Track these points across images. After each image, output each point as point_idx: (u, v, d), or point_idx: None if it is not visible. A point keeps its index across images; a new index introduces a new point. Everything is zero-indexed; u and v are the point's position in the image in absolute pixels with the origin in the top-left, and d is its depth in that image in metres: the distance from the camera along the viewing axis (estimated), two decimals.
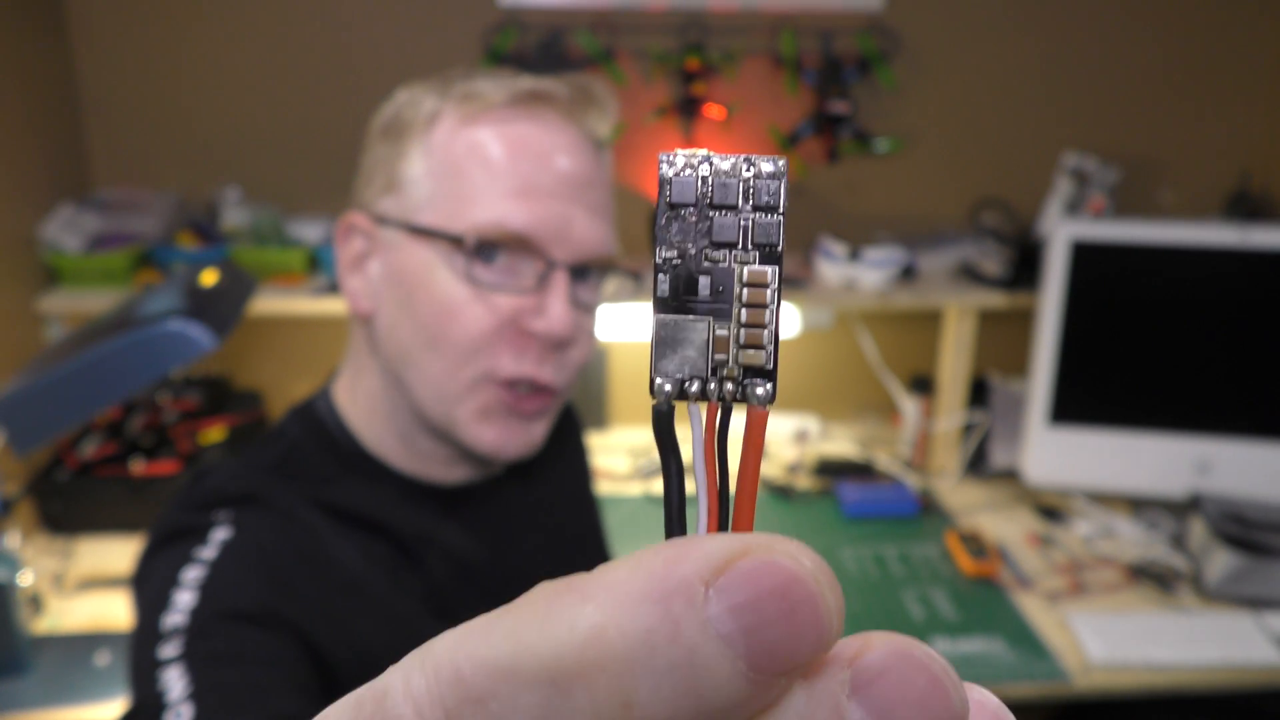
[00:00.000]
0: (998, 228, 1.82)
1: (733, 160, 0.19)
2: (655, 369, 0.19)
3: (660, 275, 0.19)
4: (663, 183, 0.19)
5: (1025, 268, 1.69)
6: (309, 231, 1.69)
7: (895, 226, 1.88)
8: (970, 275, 1.78)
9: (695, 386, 0.19)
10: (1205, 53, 1.85)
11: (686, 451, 0.19)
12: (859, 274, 1.69)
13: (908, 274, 1.75)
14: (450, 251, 0.72)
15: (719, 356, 0.19)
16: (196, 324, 0.86)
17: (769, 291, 0.19)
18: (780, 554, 0.15)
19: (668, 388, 0.19)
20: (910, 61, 1.80)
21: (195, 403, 1.65)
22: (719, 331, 0.19)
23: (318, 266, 1.68)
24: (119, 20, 1.68)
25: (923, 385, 1.81)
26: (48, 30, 1.64)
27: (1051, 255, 1.55)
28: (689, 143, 1.80)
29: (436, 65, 1.69)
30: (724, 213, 0.19)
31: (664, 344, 0.19)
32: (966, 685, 0.18)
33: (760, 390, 0.19)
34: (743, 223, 0.19)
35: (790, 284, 1.69)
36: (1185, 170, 1.89)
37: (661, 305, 0.19)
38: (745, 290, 0.19)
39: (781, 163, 0.19)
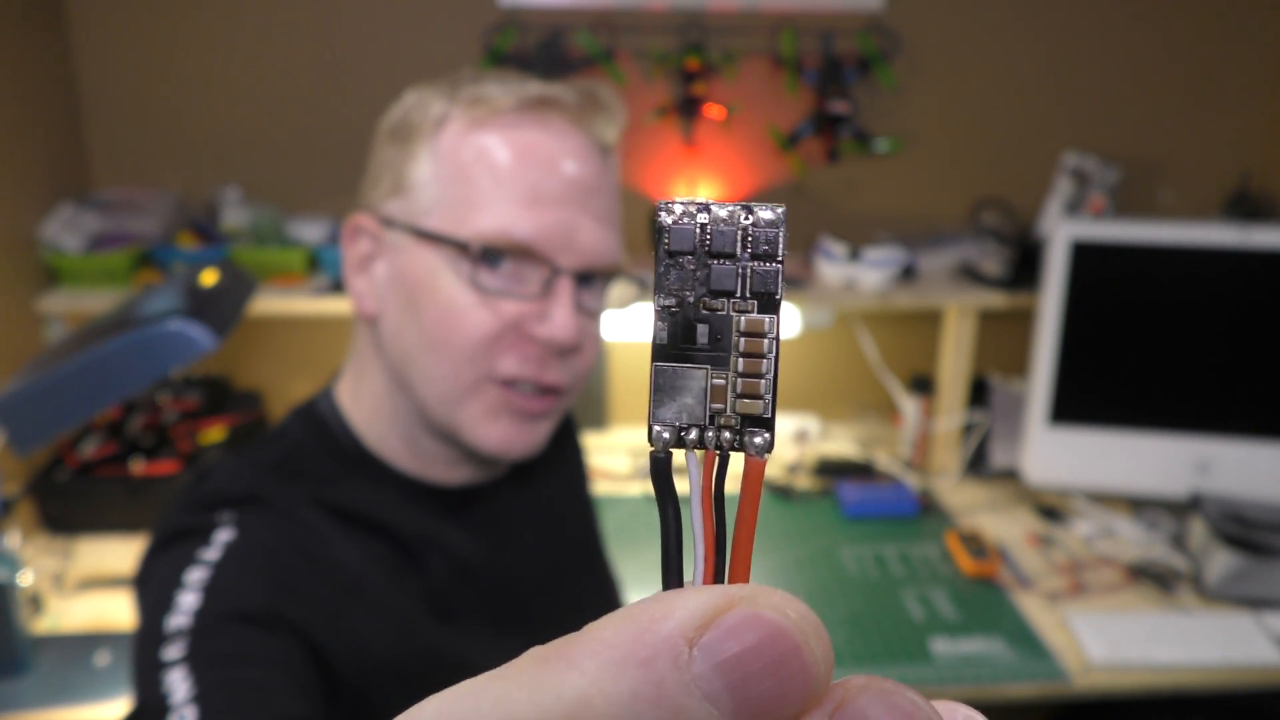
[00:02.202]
0: (998, 228, 1.82)
1: (730, 208, 0.19)
2: (654, 416, 0.19)
3: (659, 323, 0.19)
4: (661, 231, 0.19)
5: (1025, 268, 1.69)
6: (309, 231, 1.69)
7: (895, 226, 1.88)
8: (970, 275, 1.78)
9: (693, 434, 0.19)
10: (1205, 53, 1.85)
11: (684, 498, 0.19)
12: (859, 274, 1.69)
13: (908, 274, 1.75)
14: (455, 257, 0.72)
15: (716, 405, 0.19)
16: (196, 324, 0.86)
17: (766, 341, 0.19)
18: (764, 606, 0.15)
19: (665, 435, 0.19)
20: (910, 61, 1.80)
21: (195, 403, 1.65)
22: (716, 380, 0.19)
23: (318, 266, 1.68)
24: (119, 20, 1.68)
25: (923, 385, 1.81)
26: (48, 30, 1.64)
27: (1051, 255, 1.55)
28: (689, 145, 1.80)
29: (436, 65, 1.69)
30: (722, 261, 0.19)
31: (662, 391, 0.19)
32: (950, 705, 0.18)
33: (758, 440, 0.19)
34: (741, 271, 0.19)
35: (790, 284, 1.69)
36: (1185, 170, 1.89)
37: (660, 353, 0.19)
38: (742, 340, 0.19)
39: (780, 210, 0.19)
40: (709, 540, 0.19)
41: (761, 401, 0.19)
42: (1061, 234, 1.55)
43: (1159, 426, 1.58)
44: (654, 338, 0.19)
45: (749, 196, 1.86)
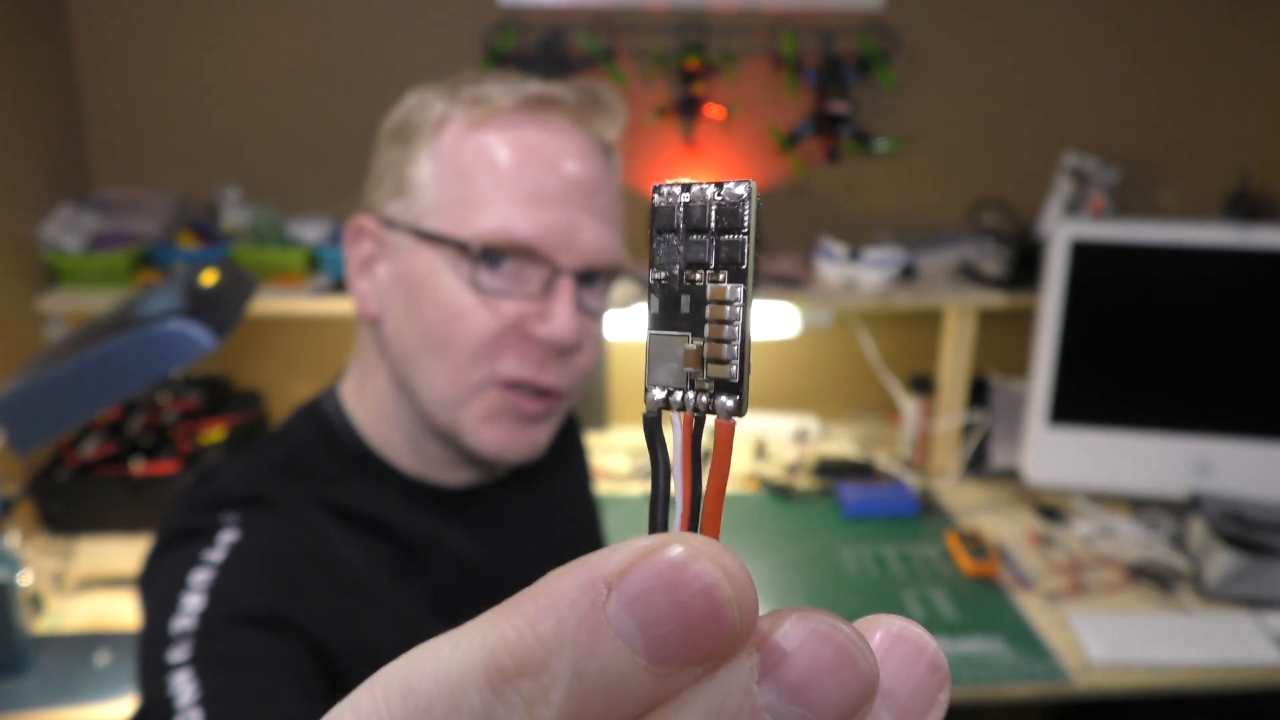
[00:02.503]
0: (998, 228, 1.82)
1: (702, 186, 0.20)
2: (648, 380, 0.21)
3: (652, 295, 0.21)
4: (652, 211, 0.21)
5: (1025, 268, 1.69)
6: (309, 231, 1.69)
7: (895, 226, 1.88)
8: (970, 275, 1.78)
9: (677, 397, 0.21)
10: (1205, 53, 1.85)
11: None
12: (859, 274, 1.69)
13: (908, 274, 1.75)
14: (456, 257, 0.72)
15: (689, 370, 0.20)
16: (196, 324, 0.86)
17: (730, 308, 0.20)
18: (679, 551, 0.16)
19: (656, 396, 0.21)
20: (910, 61, 1.80)
21: (195, 403, 1.65)
22: (689, 346, 0.21)
23: (318, 266, 1.68)
24: (119, 20, 1.68)
25: (923, 385, 1.81)
26: (48, 30, 1.64)
27: (1051, 255, 1.55)
28: (689, 145, 1.80)
29: (436, 65, 1.68)
30: (697, 235, 0.20)
31: (654, 358, 0.21)
32: (885, 618, 0.19)
33: (726, 403, 0.20)
34: (711, 243, 0.20)
35: (790, 284, 1.69)
36: (1185, 170, 1.89)
37: (654, 322, 0.21)
38: (708, 307, 0.20)
39: (749, 185, 0.20)
40: (685, 496, 0.20)
41: (729, 366, 0.20)
42: (1061, 234, 1.55)
43: (1159, 426, 1.58)
44: (649, 308, 0.21)
45: None
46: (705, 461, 0.20)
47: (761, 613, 0.17)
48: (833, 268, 1.70)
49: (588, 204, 0.74)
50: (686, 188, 0.20)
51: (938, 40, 1.81)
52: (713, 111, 1.77)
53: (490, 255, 0.72)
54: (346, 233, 0.78)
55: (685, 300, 0.21)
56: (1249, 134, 1.89)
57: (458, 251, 0.72)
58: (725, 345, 0.20)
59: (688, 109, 1.76)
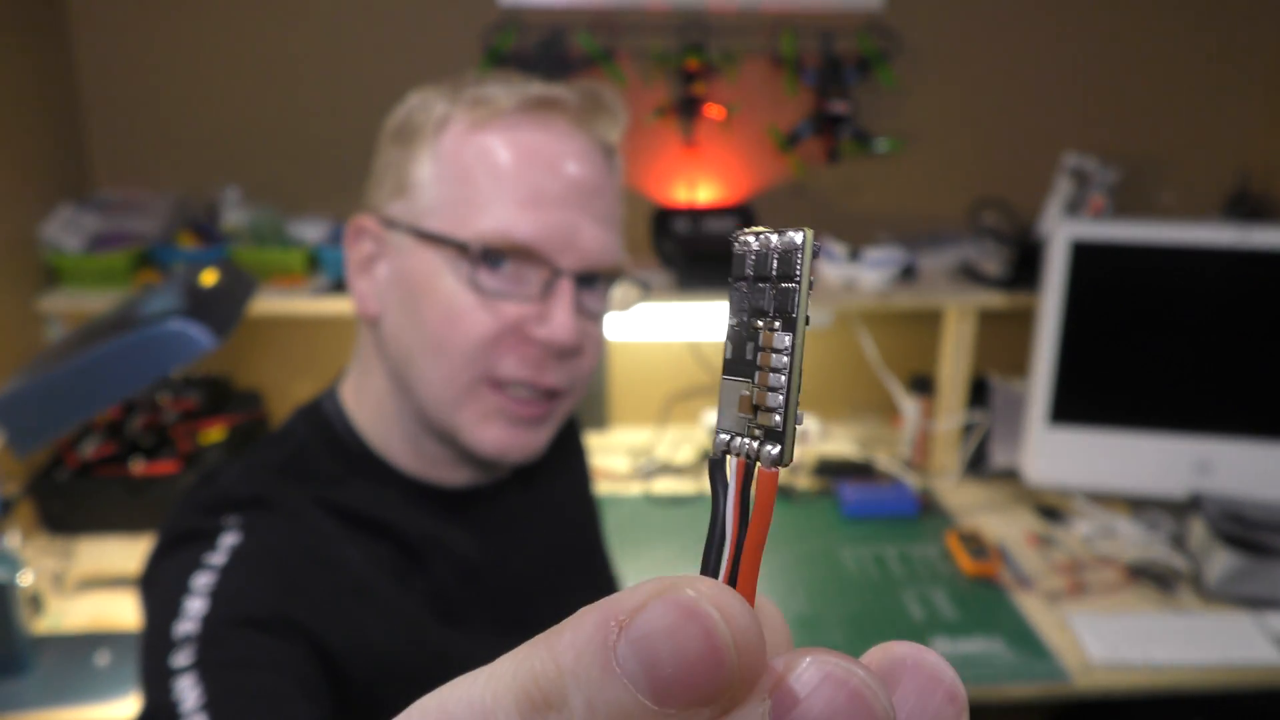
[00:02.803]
0: (998, 228, 1.82)
1: (767, 235, 0.21)
2: (717, 424, 0.22)
3: (726, 341, 0.22)
4: (733, 259, 0.21)
5: (1025, 268, 1.69)
6: (309, 231, 1.69)
7: (895, 226, 1.88)
8: (970, 275, 1.78)
9: (737, 443, 0.21)
10: (1205, 53, 1.85)
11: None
12: (859, 274, 1.69)
13: (908, 274, 1.75)
14: (456, 258, 0.72)
15: (743, 414, 0.21)
16: (196, 324, 0.86)
17: (778, 357, 0.20)
18: (682, 593, 0.16)
19: (721, 440, 0.21)
20: (910, 61, 1.80)
21: (195, 403, 1.65)
22: (744, 391, 0.21)
23: (318, 266, 1.68)
24: (119, 20, 1.68)
25: (923, 385, 1.81)
26: (48, 30, 1.64)
27: (1051, 255, 1.55)
28: (689, 145, 1.80)
29: (436, 65, 1.68)
30: (760, 283, 0.21)
31: (722, 403, 0.21)
32: (900, 646, 0.19)
33: (770, 451, 0.20)
34: (770, 291, 0.21)
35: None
36: (1185, 170, 1.89)
37: (725, 368, 0.22)
38: (759, 354, 0.21)
39: (803, 233, 0.20)
40: (731, 542, 0.20)
41: (775, 415, 0.20)
42: (1061, 234, 1.55)
43: (1159, 426, 1.58)
44: (724, 354, 0.22)
45: (749, 197, 1.86)
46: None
47: (779, 642, 0.17)
48: (833, 268, 1.70)
49: (588, 206, 0.74)
50: (759, 235, 0.21)
51: (938, 40, 1.81)
52: (713, 111, 1.77)
53: (490, 256, 0.72)
54: (347, 232, 0.78)
55: (750, 348, 0.21)
56: (1249, 134, 1.89)
57: (458, 252, 0.72)
58: (772, 394, 0.20)
59: (688, 109, 1.76)
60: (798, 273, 0.20)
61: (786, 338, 0.20)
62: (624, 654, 0.16)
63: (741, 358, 0.21)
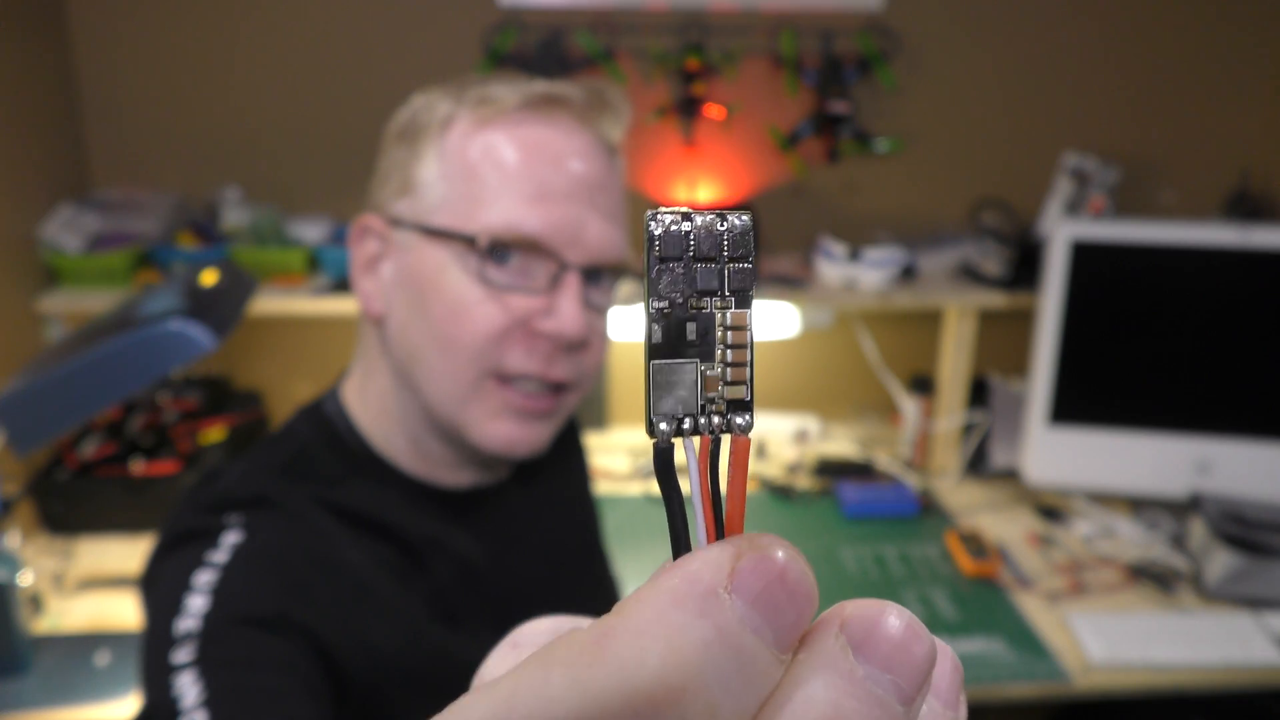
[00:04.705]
0: (998, 228, 1.82)
1: (709, 216, 0.21)
2: (654, 411, 0.21)
3: (654, 324, 0.21)
4: (652, 240, 0.21)
5: (1025, 268, 1.69)
6: (309, 231, 1.69)
7: (895, 226, 1.88)
8: (970, 275, 1.78)
9: (689, 423, 0.21)
10: (1205, 53, 1.85)
11: (684, 480, 0.21)
12: (859, 274, 1.69)
13: (908, 274, 1.75)
14: (463, 252, 0.72)
15: (709, 394, 0.21)
16: (196, 324, 0.86)
17: (741, 333, 0.21)
18: (766, 547, 0.18)
19: (664, 426, 0.21)
20: (910, 61, 1.80)
21: (195, 403, 1.65)
22: (708, 371, 0.21)
23: (318, 266, 1.68)
24: (119, 21, 1.68)
25: (923, 385, 1.81)
26: (48, 30, 1.64)
27: (1051, 255, 1.55)
28: (689, 145, 1.80)
29: (437, 65, 1.68)
30: (705, 264, 0.21)
31: (660, 387, 0.21)
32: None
33: (741, 420, 0.21)
34: (721, 271, 0.21)
35: (790, 284, 1.69)
36: (1185, 170, 1.89)
37: (656, 352, 0.21)
38: (729, 333, 0.21)
39: (748, 217, 0.21)
40: (708, 514, 0.21)
41: (745, 386, 0.21)
42: (1061, 234, 1.55)
43: (1159, 426, 1.58)
44: (649, 338, 0.21)
45: (749, 197, 1.86)
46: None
47: None
48: (833, 268, 1.70)
49: (594, 201, 0.74)
50: (687, 216, 0.21)
51: (938, 40, 1.81)
52: (713, 111, 1.77)
53: (497, 250, 0.72)
54: (352, 232, 0.78)
55: (692, 328, 0.21)
56: (1249, 134, 1.89)
57: (465, 246, 0.72)
58: (743, 368, 0.21)
59: (688, 109, 1.76)
60: (753, 253, 0.21)
61: (747, 314, 0.21)
62: (748, 614, 0.17)
63: (681, 339, 0.21)
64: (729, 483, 0.21)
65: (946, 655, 0.21)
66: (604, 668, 0.16)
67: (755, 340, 0.21)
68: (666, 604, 0.17)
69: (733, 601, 0.17)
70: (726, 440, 0.21)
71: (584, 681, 0.16)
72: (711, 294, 0.21)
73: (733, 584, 0.17)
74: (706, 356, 0.21)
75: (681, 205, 0.21)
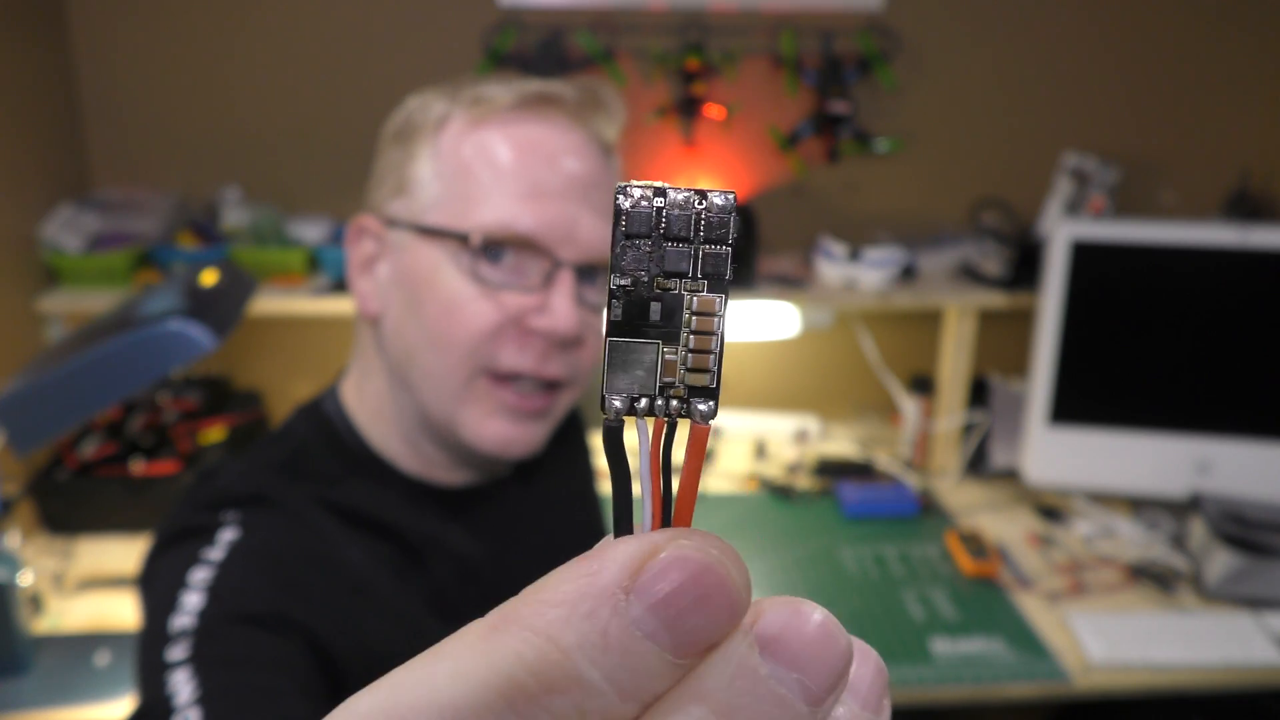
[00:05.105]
0: (998, 228, 1.82)
1: (686, 193, 0.20)
2: (607, 387, 0.20)
3: (615, 301, 0.20)
4: (619, 214, 0.20)
5: (1025, 268, 1.69)
6: (309, 231, 1.69)
7: (895, 226, 1.88)
8: (970, 275, 1.78)
9: (644, 404, 0.20)
10: (1205, 53, 1.85)
11: (634, 462, 0.21)
12: (859, 274, 1.69)
13: (908, 274, 1.75)
14: (457, 250, 0.73)
15: (667, 378, 0.20)
16: (196, 324, 0.86)
17: (716, 319, 0.20)
18: (687, 548, 0.17)
19: (617, 404, 0.20)
20: (910, 61, 1.80)
21: (195, 403, 1.65)
22: (668, 354, 0.20)
23: (318, 266, 1.68)
24: (119, 21, 1.68)
25: (923, 385, 1.81)
26: (48, 30, 1.64)
27: (1051, 255, 1.55)
28: (689, 145, 1.80)
29: (436, 65, 1.68)
30: (676, 243, 0.20)
31: (616, 365, 0.20)
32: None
33: (703, 407, 0.20)
34: (693, 253, 0.20)
35: (790, 284, 1.69)
36: (1185, 170, 1.89)
37: (615, 329, 0.20)
38: (695, 318, 0.20)
39: (731, 196, 0.20)
40: (655, 499, 0.20)
41: (709, 374, 0.20)
42: (1061, 234, 1.55)
43: (1159, 426, 1.58)
44: (609, 314, 0.20)
45: (749, 197, 1.86)
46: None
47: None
48: (833, 268, 1.70)
49: (587, 199, 0.74)
50: (660, 192, 0.20)
51: (938, 40, 1.80)
52: (713, 111, 1.77)
53: (491, 248, 0.72)
54: (348, 232, 0.78)
55: (656, 308, 0.20)
56: (1249, 134, 1.89)
57: (458, 244, 0.72)
58: (708, 355, 0.20)
59: (688, 109, 1.76)
60: (730, 236, 0.20)
61: (721, 299, 0.20)
62: (642, 617, 0.16)
63: (642, 319, 0.20)
64: (683, 471, 0.20)
65: (869, 657, 0.20)
66: (485, 658, 0.16)
67: (726, 328, 0.20)
68: (557, 596, 0.17)
69: (629, 603, 0.16)
70: (686, 428, 0.21)
71: (465, 673, 0.16)
72: (681, 275, 0.20)
73: (635, 584, 0.17)
74: (670, 339, 0.20)
75: (658, 183, 0.20)
